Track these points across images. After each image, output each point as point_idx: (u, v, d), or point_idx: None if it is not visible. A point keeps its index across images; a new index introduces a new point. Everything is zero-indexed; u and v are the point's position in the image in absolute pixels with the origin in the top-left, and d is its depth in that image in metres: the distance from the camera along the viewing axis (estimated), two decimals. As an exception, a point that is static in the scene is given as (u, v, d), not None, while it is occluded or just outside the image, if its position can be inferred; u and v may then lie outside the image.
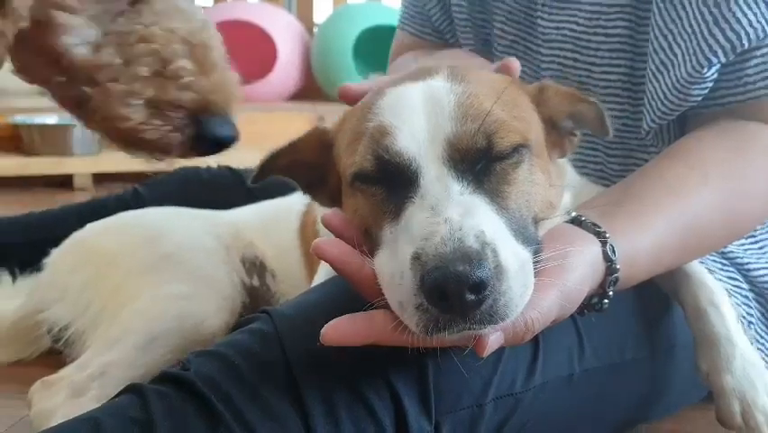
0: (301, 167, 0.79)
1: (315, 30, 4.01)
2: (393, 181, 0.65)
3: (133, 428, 0.63)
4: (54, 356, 1.16)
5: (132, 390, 0.68)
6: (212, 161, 2.80)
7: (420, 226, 0.59)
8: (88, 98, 0.67)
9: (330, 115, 3.22)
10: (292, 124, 3.04)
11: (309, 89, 3.88)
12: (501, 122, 0.65)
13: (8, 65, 0.72)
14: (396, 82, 0.72)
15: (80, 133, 2.71)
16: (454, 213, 0.58)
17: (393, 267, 0.60)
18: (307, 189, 0.82)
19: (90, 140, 2.74)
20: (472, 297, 0.54)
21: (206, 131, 0.71)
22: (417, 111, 0.65)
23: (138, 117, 0.67)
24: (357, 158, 0.67)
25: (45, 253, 1.18)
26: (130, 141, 0.69)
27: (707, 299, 0.86)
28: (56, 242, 1.20)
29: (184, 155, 0.70)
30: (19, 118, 2.78)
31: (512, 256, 0.58)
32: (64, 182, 2.75)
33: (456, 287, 0.54)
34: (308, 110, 3.36)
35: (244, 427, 0.64)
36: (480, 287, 0.54)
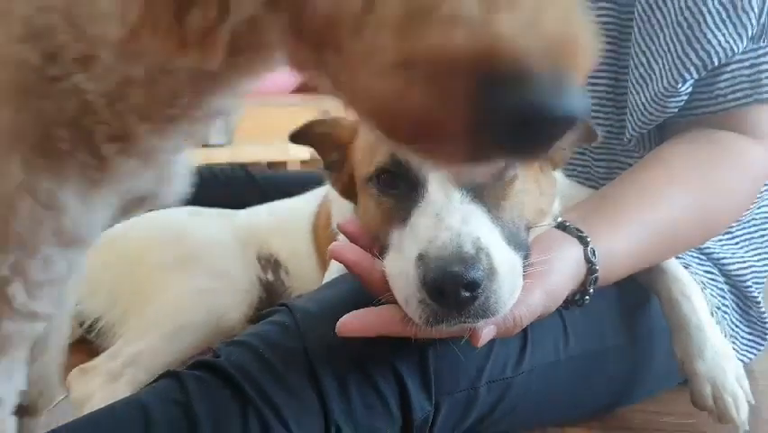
0: (331, 142, 0.87)
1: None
2: (402, 186, 0.74)
3: (175, 409, 0.71)
4: (85, 345, 1.23)
5: (169, 375, 0.77)
6: (218, 153, 2.86)
7: (425, 231, 0.68)
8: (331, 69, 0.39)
9: (335, 109, 3.27)
10: (297, 117, 3.07)
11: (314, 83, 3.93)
12: None
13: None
14: None
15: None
16: (455, 221, 0.67)
17: (400, 267, 0.69)
18: (327, 167, 0.89)
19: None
20: (467, 294, 0.63)
21: (521, 102, 0.33)
22: None
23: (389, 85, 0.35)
24: (375, 161, 0.76)
25: None
26: (386, 125, 0.37)
27: (680, 291, 0.95)
28: None
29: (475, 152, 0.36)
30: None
31: (504, 260, 0.67)
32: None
33: (452, 285, 0.63)
34: (314, 104, 3.41)
35: (271, 407, 0.72)
36: (473, 285, 0.63)
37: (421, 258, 0.65)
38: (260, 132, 3.09)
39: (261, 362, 0.76)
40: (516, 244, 0.71)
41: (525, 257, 0.72)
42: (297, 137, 0.88)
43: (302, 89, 3.94)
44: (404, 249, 0.70)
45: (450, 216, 0.68)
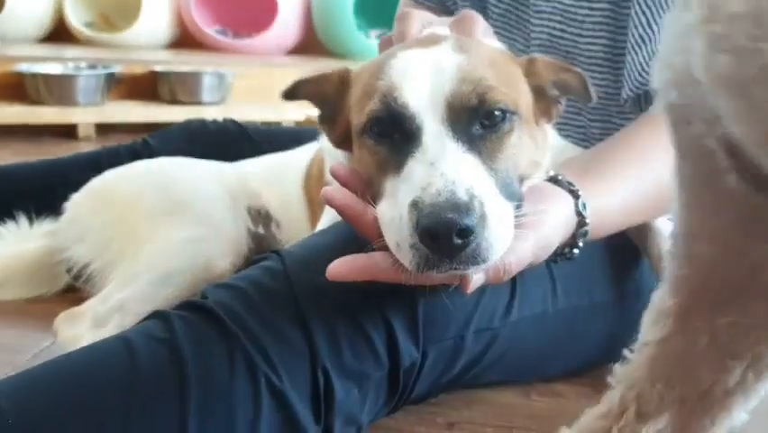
0: (322, 98, 0.86)
1: (317, -16, 4.01)
2: (397, 136, 0.73)
3: (161, 347, 0.72)
4: (71, 294, 1.24)
5: (156, 315, 0.77)
6: (212, 110, 2.86)
7: (419, 178, 0.67)
8: None
9: (330, 69, 3.25)
10: (292, 79, 3.05)
11: (309, 44, 3.89)
12: (492, 86, 0.73)
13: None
14: (406, 46, 0.80)
15: (84, 82, 2.75)
16: (449, 168, 0.67)
17: (393, 212, 0.69)
18: (323, 121, 0.89)
19: (95, 89, 2.78)
20: (459, 240, 0.63)
21: None
22: (423, 73, 0.74)
23: None
24: (367, 110, 0.75)
25: (60, 198, 1.25)
26: None
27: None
28: (71, 186, 1.26)
29: None
30: (24, 66, 2.79)
31: (496, 208, 0.67)
32: (68, 132, 2.79)
33: (446, 231, 0.63)
34: (308, 65, 3.39)
35: (257, 347, 0.72)
36: (465, 232, 0.63)
37: (414, 204, 0.65)
38: (255, 91, 3.08)
39: (249, 303, 0.76)
40: (508, 194, 0.71)
41: (518, 207, 0.72)
42: (290, 95, 0.87)
43: (298, 50, 3.92)
44: (397, 195, 0.69)
45: (444, 164, 0.67)
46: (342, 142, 0.85)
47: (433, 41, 0.79)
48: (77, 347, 0.98)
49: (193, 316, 0.75)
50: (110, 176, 1.24)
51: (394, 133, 0.73)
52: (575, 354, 1.01)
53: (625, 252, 1.01)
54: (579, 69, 0.85)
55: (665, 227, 0.98)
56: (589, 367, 1.04)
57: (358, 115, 0.77)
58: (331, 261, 0.70)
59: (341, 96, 0.84)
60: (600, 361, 1.05)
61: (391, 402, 0.84)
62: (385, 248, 0.70)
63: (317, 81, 0.86)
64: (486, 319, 0.86)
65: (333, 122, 0.86)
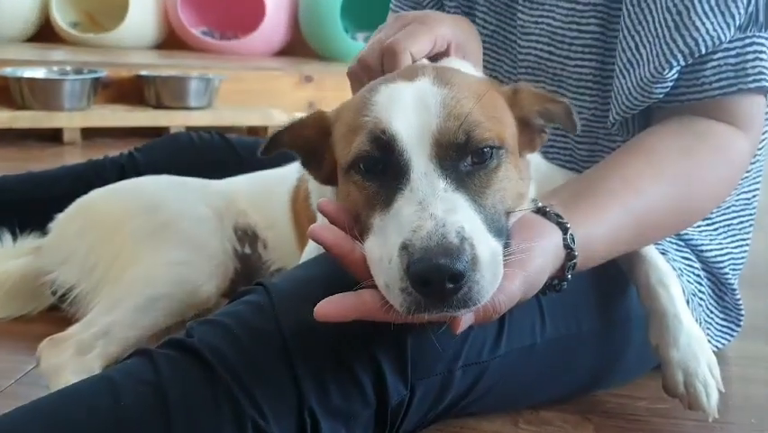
0: (302, 143, 0.85)
1: (304, -13, 3.99)
2: (386, 172, 0.72)
3: (146, 388, 0.70)
4: (55, 313, 1.23)
5: (141, 353, 0.76)
6: (198, 115, 2.84)
7: (409, 219, 0.66)
8: None
9: (317, 74, 3.24)
10: (278, 82, 3.06)
11: (296, 46, 3.88)
12: (479, 122, 0.72)
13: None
14: (388, 80, 0.78)
15: (70, 87, 2.73)
16: (439, 210, 0.66)
17: (382, 252, 0.67)
18: (306, 165, 0.88)
19: (80, 94, 2.76)
20: (451, 285, 0.62)
21: None
22: (409, 108, 0.72)
23: None
24: (354, 147, 0.73)
25: (45, 212, 1.23)
26: None
27: (657, 280, 0.95)
28: (55, 200, 1.25)
29: None
30: (8, 70, 2.77)
31: (486, 249, 0.66)
32: (54, 136, 2.77)
33: (438, 276, 0.62)
34: (295, 67, 3.38)
35: (244, 391, 0.71)
36: (458, 277, 0.62)
37: (405, 247, 0.64)
38: (242, 96, 3.06)
39: (235, 344, 0.75)
40: (496, 231, 0.70)
41: (506, 245, 0.71)
42: (270, 149, 0.85)
43: (284, 51, 3.91)
44: (386, 235, 0.68)
45: (434, 204, 0.66)
46: (329, 180, 0.84)
47: (414, 72, 0.78)
48: (60, 376, 0.98)
49: (179, 355, 0.74)
50: (96, 196, 1.23)
51: (382, 169, 0.72)
52: (563, 383, 1.00)
53: (612, 280, 1.00)
54: (564, 100, 0.84)
55: (654, 255, 0.98)
56: (577, 395, 1.04)
57: (344, 151, 0.76)
58: (319, 296, 0.68)
59: (322, 137, 0.83)
60: (588, 389, 1.06)
61: (379, 439, 0.83)
62: (374, 286, 0.69)
63: (294, 128, 0.84)
64: (474, 354, 0.85)
65: (318, 163, 0.85)
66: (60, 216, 1.22)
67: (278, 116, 2.88)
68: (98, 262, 1.13)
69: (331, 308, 0.68)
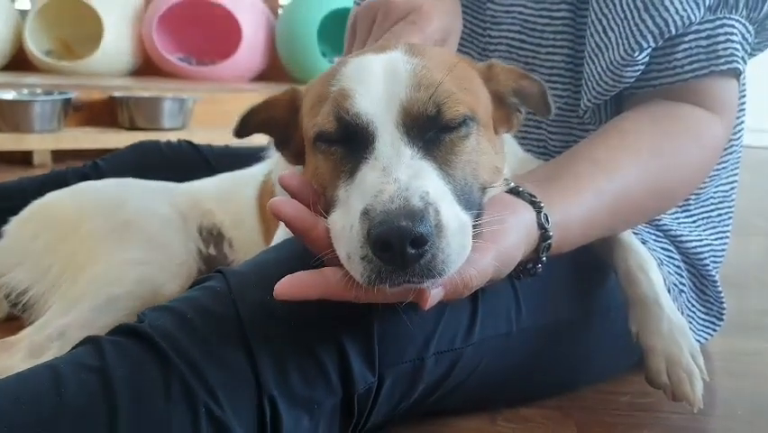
0: (273, 124, 0.82)
1: (280, 11, 4.01)
2: (351, 142, 0.68)
3: (90, 375, 0.66)
4: (11, 323, 1.16)
5: (89, 341, 0.71)
6: (172, 136, 2.83)
7: (371, 185, 0.62)
8: None
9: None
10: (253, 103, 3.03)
11: (274, 70, 3.87)
12: (450, 93, 0.69)
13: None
14: (359, 53, 0.75)
15: (40, 109, 2.68)
16: (403, 174, 0.62)
17: (345, 221, 0.63)
18: (279, 146, 0.85)
19: (50, 116, 2.71)
20: (413, 250, 0.58)
21: None
22: (377, 78, 0.69)
23: None
24: (319, 118, 0.70)
25: (4, 222, 1.18)
26: None
27: (637, 266, 0.92)
28: (15, 212, 1.19)
29: None
30: (-24, 93, 2.72)
31: (453, 217, 0.62)
32: (23, 158, 2.72)
33: (399, 240, 0.58)
34: (271, 91, 3.35)
35: (196, 374, 0.67)
36: (420, 241, 0.58)
37: (366, 212, 0.60)
38: (216, 117, 3.03)
39: (188, 327, 0.70)
40: (467, 203, 0.67)
41: (478, 216, 0.67)
42: (241, 130, 0.82)
43: (262, 76, 3.89)
44: (350, 204, 0.64)
45: (398, 170, 0.63)
46: (298, 157, 0.81)
47: (386, 46, 0.75)
48: (9, 379, 0.92)
49: (126, 341, 0.69)
50: (52, 197, 1.18)
51: (347, 139, 0.69)
52: (542, 376, 0.96)
53: (591, 267, 0.97)
54: (538, 78, 0.81)
55: (633, 241, 0.95)
56: (557, 390, 1.00)
57: (311, 122, 0.73)
58: (278, 279, 0.64)
59: (292, 113, 0.80)
60: (569, 382, 1.01)
61: (346, 432, 0.78)
62: (337, 263, 0.65)
63: (265, 108, 0.82)
64: (447, 340, 0.81)
65: (288, 141, 0.82)
66: (14, 219, 1.17)
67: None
68: (54, 263, 1.08)
69: (290, 286, 0.64)
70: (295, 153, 0.82)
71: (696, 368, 0.87)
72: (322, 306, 0.67)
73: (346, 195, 0.66)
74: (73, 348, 0.73)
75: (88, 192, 1.19)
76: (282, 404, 0.70)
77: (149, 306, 1.00)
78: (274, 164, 1.12)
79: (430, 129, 0.68)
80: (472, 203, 0.68)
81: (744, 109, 1.07)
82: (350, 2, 3.59)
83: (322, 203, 0.70)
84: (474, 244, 0.64)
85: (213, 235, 1.20)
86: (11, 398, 0.65)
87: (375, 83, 0.69)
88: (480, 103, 0.75)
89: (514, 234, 0.72)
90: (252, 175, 1.23)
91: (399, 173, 0.63)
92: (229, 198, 1.22)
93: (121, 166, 1.48)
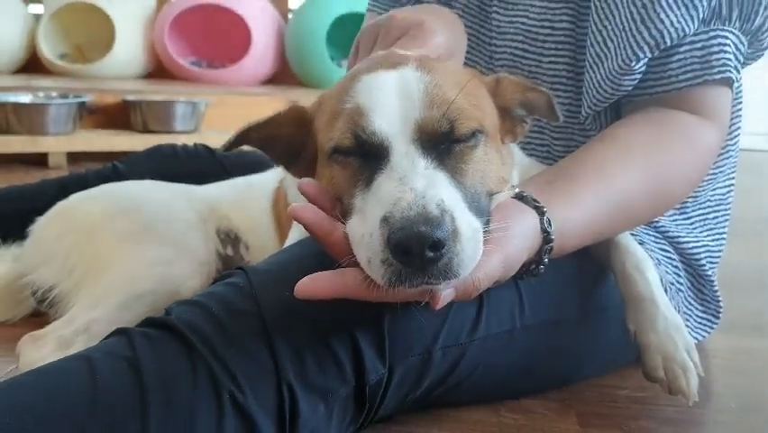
0: (277, 141, 0.86)
1: (290, 16, 4.06)
2: (367, 155, 0.73)
3: (122, 364, 0.71)
4: (37, 319, 1.22)
5: (119, 332, 0.76)
6: (184, 139, 2.87)
7: (389, 193, 0.67)
8: None
9: (303, 100, 3.27)
10: (265, 108, 3.06)
11: (283, 74, 3.92)
12: (462, 110, 0.74)
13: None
14: (370, 69, 0.78)
15: (55, 111, 2.74)
16: (419, 184, 0.67)
17: (364, 228, 0.68)
18: (280, 161, 0.89)
19: (65, 119, 2.77)
20: (431, 254, 0.63)
21: None
22: (391, 96, 0.73)
23: None
24: (336, 134, 0.74)
25: (27, 223, 1.23)
26: None
27: (633, 266, 0.96)
28: (38, 213, 1.24)
29: None
30: (-7, 96, 2.77)
31: (466, 224, 0.67)
32: (39, 160, 2.77)
33: (418, 244, 0.63)
34: (281, 95, 3.41)
35: (221, 363, 0.72)
36: (438, 245, 0.63)
37: (385, 219, 0.65)
38: (227, 120, 3.08)
39: (213, 320, 0.75)
40: (477, 210, 0.72)
41: (486, 223, 0.72)
42: (233, 146, 0.84)
43: (271, 80, 3.95)
44: (367, 211, 0.69)
45: (414, 179, 0.68)
46: (310, 172, 0.84)
47: (396, 61, 0.79)
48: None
49: (156, 332, 0.74)
50: (76, 199, 1.23)
51: (363, 153, 0.73)
52: (542, 373, 1.01)
53: (592, 269, 1.02)
54: (545, 89, 0.86)
55: (630, 242, 0.99)
56: (557, 386, 1.05)
57: (326, 136, 0.77)
58: (298, 276, 0.69)
59: (300, 129, 0.84)
60: (569, 378, 1.06)
61: (358, 420, 0.83)
62: (355, 265, 0.69)
63: (268, 125, 0.84)
64: (453, 335, 0.86)
65: (296, 158, 0.86)
66: (40, 220, 1.22)
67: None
68: (79, 263, 1.13)
69: (312, 285, 0.69)
70: (305, 168, 0.85)
71: (691, 363, 0.92)
72: (338, 304, 0.71)
73: (363, 202, 0.71)
74: (104, 339, 0.78)
75: (112, 194, 1.24)
76: (300, 392, 0.75)
77: (170, 303, 1.07)
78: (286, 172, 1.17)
79: (442, 142, 0.73)
80: (481, 210, 0.73)
81: (740, 115, 1.12)
82: (359, 6, 3.65)
83: (339, 209, 0.74)
84: (483, 248, 0.69)
85: (230, 238, 1.25)
86: (47, 384, 0.70)
87: (389, 101, 0.73)
88: (487, 117, 0.80)
89: (519, 239, 0.77)
90: (266, 181, 1.27)
91: (415, 183, 0.67)
92: (245, 203, 1.27)
93: (139, 168, 1.53)
